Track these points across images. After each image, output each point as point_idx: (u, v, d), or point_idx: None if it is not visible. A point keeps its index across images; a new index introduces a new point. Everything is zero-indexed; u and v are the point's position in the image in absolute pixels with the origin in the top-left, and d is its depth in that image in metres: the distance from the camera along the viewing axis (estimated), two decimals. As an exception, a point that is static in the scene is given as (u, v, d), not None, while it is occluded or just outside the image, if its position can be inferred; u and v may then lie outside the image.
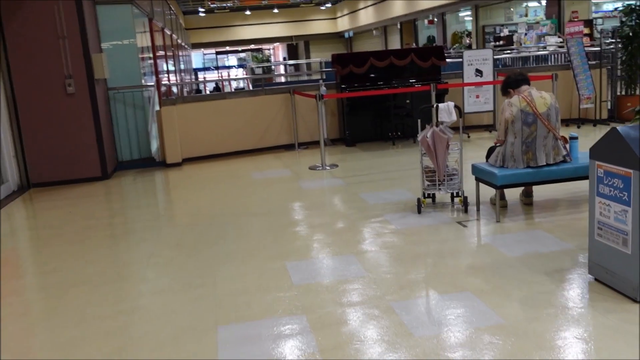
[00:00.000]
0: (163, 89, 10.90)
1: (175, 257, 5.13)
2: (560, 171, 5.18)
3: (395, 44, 35.29)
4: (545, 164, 5.19)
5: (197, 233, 5.74)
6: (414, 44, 31.97)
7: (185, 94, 21.95)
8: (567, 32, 10.15)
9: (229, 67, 52.12)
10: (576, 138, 5.47)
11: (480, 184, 5.58)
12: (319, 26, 45.14)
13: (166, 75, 14.79)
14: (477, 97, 10.13)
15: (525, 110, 5.13)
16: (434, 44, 29.79)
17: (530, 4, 23.92)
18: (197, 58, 54.25)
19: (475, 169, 5.53)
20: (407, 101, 9.95)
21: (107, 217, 6.79)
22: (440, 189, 5.71)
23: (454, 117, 5.62)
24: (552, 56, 12.97)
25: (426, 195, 5.86)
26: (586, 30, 20.36)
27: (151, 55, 11.96)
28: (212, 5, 38.49)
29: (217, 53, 54.25)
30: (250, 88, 33.54)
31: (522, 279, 3.99)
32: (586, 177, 5.27)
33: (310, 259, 4.76)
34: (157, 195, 8.15)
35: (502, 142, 5.36)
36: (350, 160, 8.85)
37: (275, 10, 41.19)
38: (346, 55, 10.15)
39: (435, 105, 5.67)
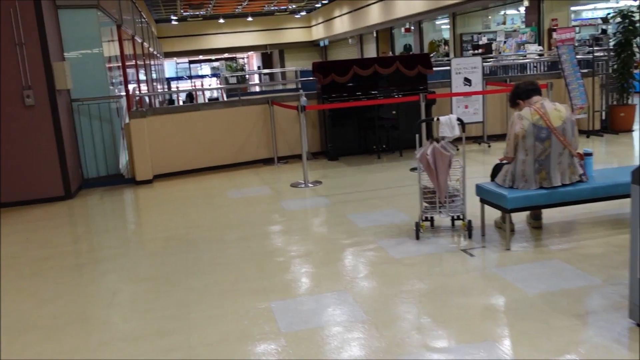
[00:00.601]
0: (135, 99, 10.21)
1: (143, 294, 4.47)
2: (577, 192, 4.65)
3: (371, 52, 34.91)
4: (560, 184, 4.65)
5: (170, 263, 5.08)
6: (391, 52, 31.61)
7: (157, 104, 21.23)
8: (557, 39, 9.68)
9: (202, 77, 51.37)
10: (591, 154, 4.95)
11: (485, 206, 5.03)
12: (294, 35, 44.66)
13: (136, 85, 14.07)
14: (466, 107, 9.63)
15: (538, 124, 4.59)
16: (411, 53, 29.46)
17: (509, 12, 23.67)
18: (170, 67, 53.42)
19: (480, 190, 4.98)
20: (393, 112, 9.41)
21: (68, 244, 6.10)
22: (441, 211, 5.14)
23: (457, 131, 5.07)
24: (540, 64, 12.56)
25: (424, 219, 5.28)
26: (566, 38, 20.17)
27: (120, 64, 11.26)
28: (185, 14, 37.76)
29: (191, 62, 53.45)
30: (225, 98, 32.92)
31: (550, 324, 3.42)
32: (604, 199, 4.77)
33: (298, 297, 4.15)
34: (125, 217, 7.45)
35: (510, 160, 4.81)
36: (334, 177, 8.25)
37: (249, 19, 40.59)
38: (328, 64, 9.58)
39: (436, 119, 5.10)
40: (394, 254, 4.81)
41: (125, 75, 11.29)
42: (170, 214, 6.90)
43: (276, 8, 39.36)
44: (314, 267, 4.74)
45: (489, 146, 9.65)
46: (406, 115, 9.59)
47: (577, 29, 21.69)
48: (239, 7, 37.08)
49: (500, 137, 10.10)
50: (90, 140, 8.93)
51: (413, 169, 8.21)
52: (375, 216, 6.03)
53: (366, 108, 9.43)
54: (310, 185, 7.75)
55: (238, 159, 9.59)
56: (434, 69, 10.26)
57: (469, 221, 5.07)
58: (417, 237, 5.12)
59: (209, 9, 36.18)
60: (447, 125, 5.00)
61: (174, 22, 40.24)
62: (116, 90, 10.29)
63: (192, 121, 9.24)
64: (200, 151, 9.32)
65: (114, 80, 10.30)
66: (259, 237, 5.64)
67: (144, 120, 8.80)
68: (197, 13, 37.63)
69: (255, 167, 9.47)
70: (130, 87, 12.16)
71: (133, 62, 13.90)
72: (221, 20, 39.47)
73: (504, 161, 4.97)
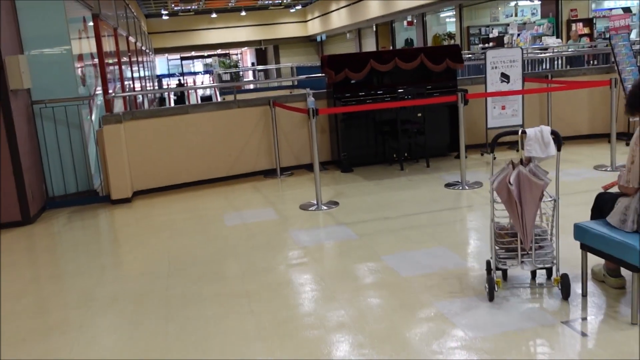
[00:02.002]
0: (115, 98, 8.69)
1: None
2: None
3: (370, 47, 33.45)
4: None
5: (147, 332, 3.59)
6: (391, 47, 30.15)
7: (147, 105, 19.67)
8: (610, 27, 8.20)
9: (194, 73, 49.82)
10: None
11: (589, 254, 3.55)
12: (289, 30, 43.12)
13: (120, 84, 12.53)
14: (503, 108, 8.17)
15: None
16: (414, 47, 27.99)
17: (521, 3, 22.22)
18: (161, 64, 51.78)
19: (584, 233, 3.50)
20: (419, 114, 7.92)
21: (16, 292, 4.59)
22: (524, 261, 3.66)
23: (553, 150, 3.59)
24: (583, 58, 11.11)
25: (496, 268, 3.79)
26: (585, 30, 18.77)
27: (98, 60, 9.72)
28: (176, 8, 36.17)
29: (182, 59, 51.84)
30: (218, 96, 31.35)
31: None
32: None
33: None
34: (91, 253, 5.91)
35: (632, 192, 3.34)
36: (352, 195, 6.76)
37: (243, 13, 39.06)
38: (340, 57, 8.08)
39: (520, 132, 3.63)
40: (465, 330, 3.33)
41: (103, 72, 9.76)
42: (149, 251, 5.40)
43: (270, 2, 37.86)
44: (355, 349, 3.25)
45: (531, 154, 8.17)
46: (433, 118, 8.12)
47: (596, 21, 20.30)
48: (232, 1, 35.55)
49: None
50: (56, 150, 7.42)
51: (450, 185, 6.73)
52: (418, 257, 4.55)
53: (386, 110, 7.96)
54: (324, 207, 6.26)
55: (235, 171, 8.10)
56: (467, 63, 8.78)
57: (564, 275, 3.59)
58: (491, 299, 3.64)
59: (200, 3, 34.62)
60: (536, 141, 3.52)
61: (164, 17, 38.64)
62: (91, 91, 8.76)
63: (180, 126, 7.75)
64: (189, 162, 7.82)
65: (88, 80, 8.77)
66: (268, 293, 4.15)
67: (120, 126, 7.28)
68: (189, 7, 36.06)
69: (255, 180, 7.98)
70: (113, 86, 10.65)
71: (116, 59, 12.36)
72: (214, 15, 37.92)
73: (615, 190, 3.51)
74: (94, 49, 9.58)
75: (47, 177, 7.39)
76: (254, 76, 46.79)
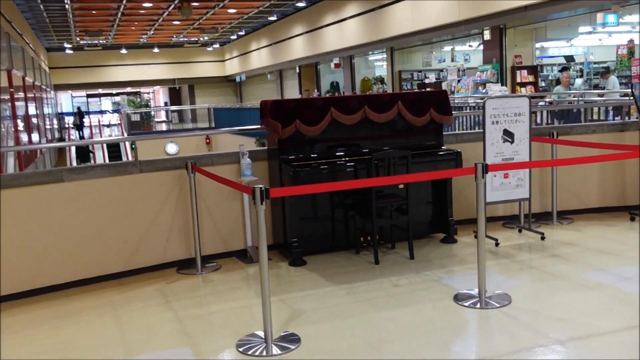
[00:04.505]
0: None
1: None
2: None
3: (293, 89, 31.55)
4: None
5: None
6: (316, 91, 28.31)
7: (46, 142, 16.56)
8: (634, 74, 6.35)
9: (102, 112, 46.34)
10: None
11: None
12: (206, 69, 40.78)
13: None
14: (506, 177, 6.07)
15: None
16: (342, 92, 26.21)
17: (458, 48, 20.88)
18: (67, 101, 47.92)
19: None
20: (401, 185, 5.65)
21: None
22: None
23: None
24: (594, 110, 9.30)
25: None
26: (530, 78, 17.48)
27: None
28: (81, 42, 33.01)
29: (89, 96, 48.20)
30: (125, 135, 28.24)
31: None
32: None
33: None
34: None
35: None
36: (316, 318, 4.35)
37: (156, 50, 36.38)
38: (289, 104, 5.75)
39: None
40: None
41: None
42: None
43: (186, 39, 35.41)
44: None
45: (543, 238, 6.09)
46: (416, 189, 5.91)
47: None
48: (143, 36, 32.86)
49: (544, 216, 6.66)
50: None
51: (462, 300, 4.46)
52: None
53: (353, 175, 5.68)
54: (277, 350, 3.82)
55: (133, 264, 5.54)
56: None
57: None
58: None
59: (109, 37, 31.68)
60: None
61: (68, 52, 35.33)
62: None
63: (51, 200, 5.14)
64: (64, 254, 5.21)
65: None
66: None
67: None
68: (96, 42, 32.99)
69: (165, 277, 5.44)
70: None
71: None
72: (123, 51, 34.97)
73: None
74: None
75: None
76: (167, 117, 43.87)
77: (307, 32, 26.29)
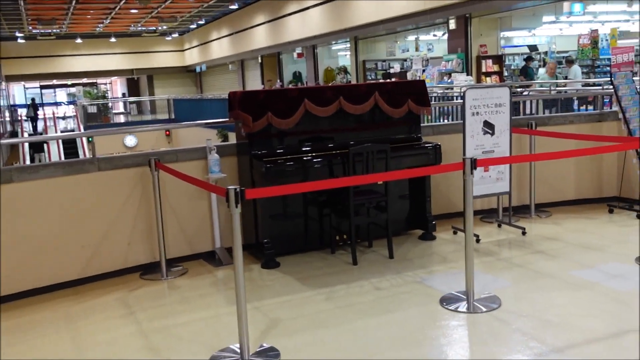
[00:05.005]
0: None
1: None
2: None
3: (255, 79, 31.02)
4: None
5: None
6: (279, 81, 27.87)
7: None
8: (613, 62, 6.15)
9: (57, 104, 44.90)
10: None
11: None
12: (165, 59, 39.85)
13: None
14: (486, 170, 5.82)
15: None
16: (305, 82, 25.83)
17: (422, 37, 20.70)
18: (20, 93, 46.28)
19: None
20: (379, 181, 5.34)
21: None
22: None
23: None
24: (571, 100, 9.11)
25: None
26: (495, 68, 17.41)
27: None
28: (34, 31, 31.79)
29: (42, 87, 46.64)
30: (82, 130, 27.32)
31: None
32: None
33: None
34: None
35: None
36: (295, 327, 4.02)
37: (113, 40, 35.30)
38: (260, 96, 5.37)
39: None
40: None
41: None
42: None
43: (144, 29, 34.48)
44: None
45: (524, 233, 5.88)
46: (394, 185, 5.62)
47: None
48: (99, 25, 31.84)
49: (522, 209, 6.46)
50: None
51: (448, 302, 4.19)
52: None
53: (329, 172, 5.35)
54: (256, 366, 3.49)
55: (92, 270, 5.11)
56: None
57: None
58: None
59: (63, 26, 30.60)
60: None
61: (20, 41, 34.02)
62: None
63: (-3, 203, 4.68)
64: (14, 261, 4.75)
65: None
66: None
67: None
68: (49, 31, 31.81)
69: (127, 284, 5.03)
70: None
71: None
72: (79, 40, 33.84)
73: None
74: None
75: None
76: (125, 108, 42.76)
77: (269, 21, 25.80)
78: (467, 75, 16.55)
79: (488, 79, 16.78)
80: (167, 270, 5.22)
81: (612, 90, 6.36)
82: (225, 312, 4.28)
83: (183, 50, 39.69)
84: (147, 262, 5.35)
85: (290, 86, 24.58)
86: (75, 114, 33.34)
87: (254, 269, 5.23)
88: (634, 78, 6.42)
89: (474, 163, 4.06)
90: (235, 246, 3.50)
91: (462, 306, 4.14)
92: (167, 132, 26.36)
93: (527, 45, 18.55)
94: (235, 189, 3.37)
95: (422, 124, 6.18)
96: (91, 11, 27.07)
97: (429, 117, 12.04)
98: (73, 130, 29.21)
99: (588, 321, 3.84)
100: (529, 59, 16.76)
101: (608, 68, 16.44)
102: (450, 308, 4.14)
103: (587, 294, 4.29)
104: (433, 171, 5.25)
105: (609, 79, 6.46)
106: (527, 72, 15.92)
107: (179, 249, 5.49)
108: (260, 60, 29.68)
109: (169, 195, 5.36)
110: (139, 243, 5.32)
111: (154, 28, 34.33)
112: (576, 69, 14.86)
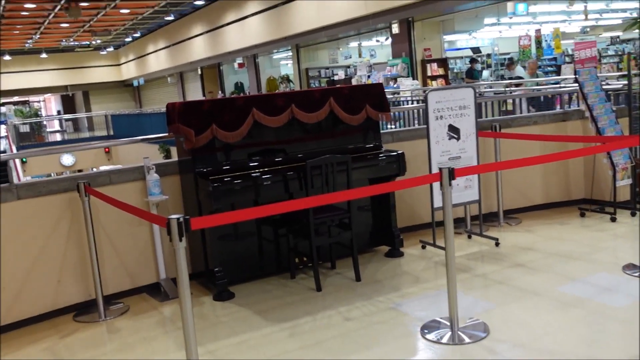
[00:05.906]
0: None
1: None
2: None
3: (195, 92, 30.18)
4: None
5: None
6: (220, 92, 27.14)
7: None
8: (576, 58, 5.82)
9: (-15, 125, 42.69)
10: None
11: None
12: (100, 74, 38.44)
13: None
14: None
15: None
16: (247, 93, 25.18)
17: (364, 43, 20.39)
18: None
19: None
20: (341, 197, 4.80)
21: None
22: None
23: None
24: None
25: None
26: (440, 71, 17.26)
27: None
28: (-43, 48, 30.07)
29: (-31, 107, 44.38)
30: (15, 151, 25.83)
31: None
32: None
33: None
34: None
35: None
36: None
37: (44, 55, 33.76)
38: (203, 107, 4.77)
39: None
40: None
41: None
42: None
43: (77, 43, 33.12)
44: None
45: (497, 244, 5.45)
46: (360, 199, 5.10)
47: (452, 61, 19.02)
48: (28, 41, 30.38)
49: (490, 217, 6.06)
50: None
51: (429, 330, 3.67)
52: None
53: (284, 188, 4.79)
54: None
55: (14, 316, 4.40)
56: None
57: None
58: None
59: (-13, 42, 28.99)
60: None
61: (-58, 59, 32.16)
62: None
63: None
64: None
65: None
66: None
67: None
68: (-27, 47, 30.15)
69: (56, 328, 4.34)
70: None
71: None
72: (7, 57, 32.22)
73: None
74: None
75: None
76: (61, 126, 41.02)
77: (207, 32, 25.08)
78: (413, 79, 16.30)
79: (434, 82, 16.58)
80: (105, 310, 4.54)
81: (577, 88, 6.03)
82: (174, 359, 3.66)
83: (119, 65, 38.43)
84: (82, 301, 4.67)
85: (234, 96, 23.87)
86: (6, 134, 31.66)
87: (206, 302, 4.61)
88: (597, 74, 6.12)
89: (452, 173, 3.58)
90: (182, 284, 2.90)
91: (446, 337, 3.64)
92: (107, 150, 25.22)
93: (470, 48, 18.46)
94: (178, 219, 2.78)
95: (383, 131, 5.70)
96: (18, 26, 25.73)
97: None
98: (5, 152, 27.66)
99: (591, 348, 3.39)
100: (473, 61, 16.62)
101: (550, 68, 16.51)
102: (432, 339, 3.63)
103: (581, 314, 3.86)
104: (406, 185, 4.74)
105: (574, 76, 6.13)
106: (472, 74, 15.77)
107: (118, 284, 4.83)
108: (200, 72, 28.91)
109: (103, 223, 4.70)
110: (71, 280, 4.62)
111: (88, 42, 33.06)
112: (520, 69, 14.76)
